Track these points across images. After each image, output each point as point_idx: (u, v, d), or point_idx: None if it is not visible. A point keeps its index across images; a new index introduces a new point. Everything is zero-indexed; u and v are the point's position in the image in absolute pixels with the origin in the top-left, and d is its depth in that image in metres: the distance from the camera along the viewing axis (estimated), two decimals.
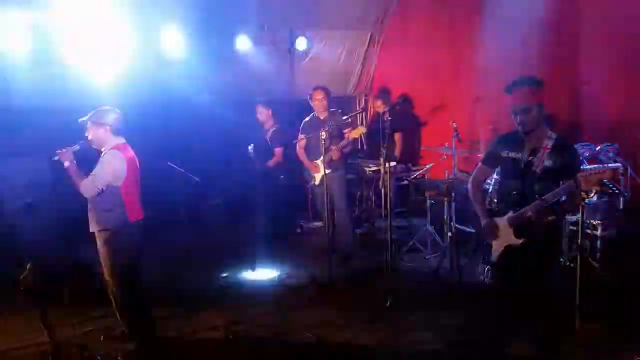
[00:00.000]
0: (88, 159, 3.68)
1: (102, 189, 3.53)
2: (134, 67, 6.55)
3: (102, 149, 3.63)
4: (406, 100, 7.13)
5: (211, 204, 7.30)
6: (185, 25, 6.57)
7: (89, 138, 3.62)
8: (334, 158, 5.36)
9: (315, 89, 5.58)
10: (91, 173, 3.55)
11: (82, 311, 4.38)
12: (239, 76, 7.32)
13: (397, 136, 6.54)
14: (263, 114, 6.30)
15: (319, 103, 5.52)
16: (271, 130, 6.21)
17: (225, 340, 3.85)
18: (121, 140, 3.66)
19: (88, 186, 3.52)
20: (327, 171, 5.29)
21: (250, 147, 6.29)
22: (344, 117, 5.42)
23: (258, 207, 6.41)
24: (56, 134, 3.98)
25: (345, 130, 5.39)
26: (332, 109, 5.60)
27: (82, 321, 4.23)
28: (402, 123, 6.50)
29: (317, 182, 5.56)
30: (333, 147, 5.32)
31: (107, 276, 3.69)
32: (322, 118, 5.52)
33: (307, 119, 5.69)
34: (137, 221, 3.69)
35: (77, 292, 4.74)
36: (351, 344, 3.77)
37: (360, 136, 7.89)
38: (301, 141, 5.58)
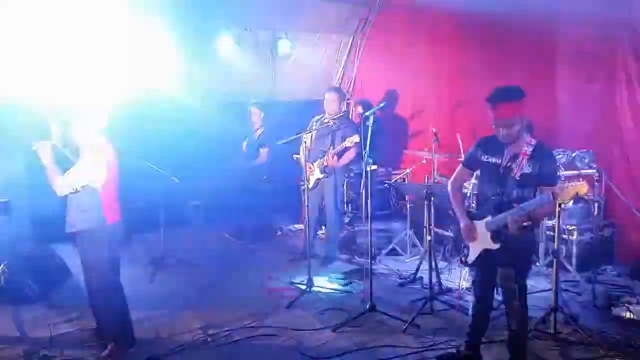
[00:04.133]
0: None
1: (77, 189, 3.43)
2: (114, 66, 6.48)
3: (81, 147, 3.51)
4: (387, 105, 7.15)
5: (191, 206, 7.26)
6: (169, 23, 6.53)
7: (71, 134, 3.49)
8: (327, 164, 5.31)
9: (328, 89, 5.56)
10: (68, 171, 3.44)
11: (58, 312, 4.32)
12: (221, 77, 7.29)
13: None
14: (256, 115, 6.46)
15: (326, 104, 5.46)
16: (259, 132, 6.37)
17: (203, 343, 3.81)
18: (102, 139, 3.55)
19: (63, 185, 3.41)
20: (321, 176, 5.29)
21: (244, 144, 6.29)
22: (325, 121, 5.41)
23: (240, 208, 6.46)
24: (33, 133, 3.88)
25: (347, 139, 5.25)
26: (341, 113, 5.50)
27: (58, 323, 4.15)
28: (382, 129, 6.49)
29: (310, 185, 5.55)
30: (329, 153, 5.30)
31: (85, 278, 3.62)
32: (327, 120, 5.44)
33: (316, 117, 5.60)
34: (114, 223, 3.60)
35: (53, 292, 4.68)
36: (330, 347, 3.76)
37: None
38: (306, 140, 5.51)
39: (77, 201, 3.48)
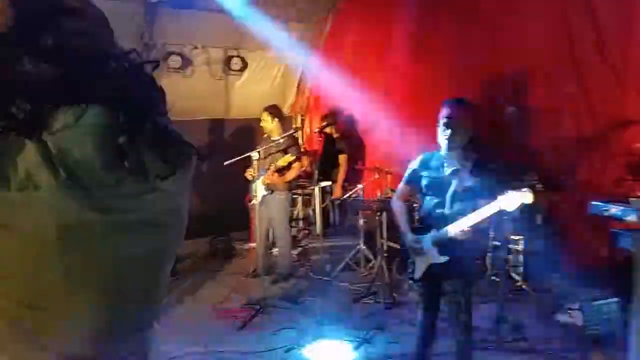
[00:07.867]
0: None
1: None
2: None
3: None
4: (352, 121, 7.21)
5: None
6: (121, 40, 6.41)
7: None
8: (267, 181, 5.34)
9: (263, 110, 5.58)
10: None
11: None
12: (173, 95, 7.19)
13: (342, 158, 6.48)
14: None
15: (263, 124, 5.56)
16: None
17: None
18: None
19: None
20: (265, 193, 5.28)
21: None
22: (276, 138, 5.42)
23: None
24: None
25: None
26: (291, 131, 5.60)
27: None
28: (348, 145, 6.53)
29: (256, 202, 5.56)
30: (269, 170, 5.31)
31: None
32: (272, 138, 5.50)
33: (265, 135, 5.69)
34: None
35: None
36: None
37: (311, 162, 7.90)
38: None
39: None
